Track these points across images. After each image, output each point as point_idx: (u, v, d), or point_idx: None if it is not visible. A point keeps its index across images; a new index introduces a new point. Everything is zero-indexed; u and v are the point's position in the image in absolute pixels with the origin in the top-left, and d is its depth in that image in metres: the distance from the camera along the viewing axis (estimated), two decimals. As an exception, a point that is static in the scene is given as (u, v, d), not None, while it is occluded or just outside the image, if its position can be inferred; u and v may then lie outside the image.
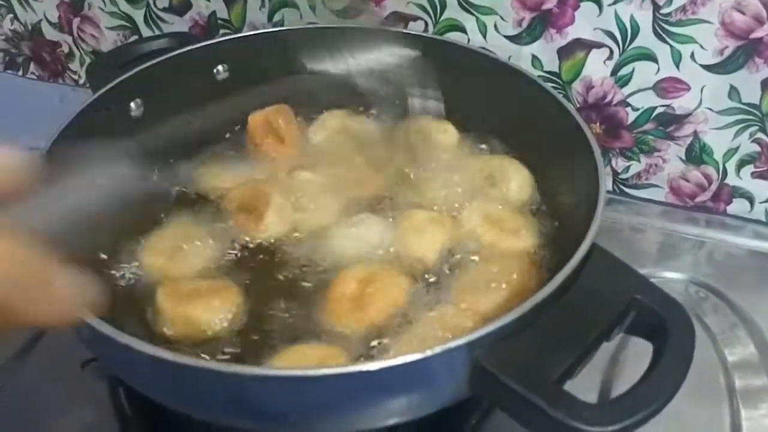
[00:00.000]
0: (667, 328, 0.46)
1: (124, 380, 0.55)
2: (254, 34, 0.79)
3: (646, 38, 0.73)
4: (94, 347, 0.52)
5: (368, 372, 0.42)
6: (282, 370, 0.47)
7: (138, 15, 0.92)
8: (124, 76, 0.69)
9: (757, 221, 0.82)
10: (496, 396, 0.45)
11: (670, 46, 0.73)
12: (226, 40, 0.77)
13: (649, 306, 0.47)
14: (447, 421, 0.61)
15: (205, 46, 0.75)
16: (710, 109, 0.76)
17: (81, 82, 1.04)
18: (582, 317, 0.46)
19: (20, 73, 1.07)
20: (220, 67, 0.75)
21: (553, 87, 0.71)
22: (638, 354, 0.59)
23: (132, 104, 0.70)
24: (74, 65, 1.02)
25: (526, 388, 0.42)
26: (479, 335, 0.43)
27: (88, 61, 1.00)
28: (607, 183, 0.81)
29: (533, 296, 0.45)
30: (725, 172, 0.80)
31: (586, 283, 0.48)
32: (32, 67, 1.06)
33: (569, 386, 0.45)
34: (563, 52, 0.77)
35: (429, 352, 0.42)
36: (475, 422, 0.62)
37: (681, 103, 0.76)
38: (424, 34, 0.79)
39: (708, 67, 0.73)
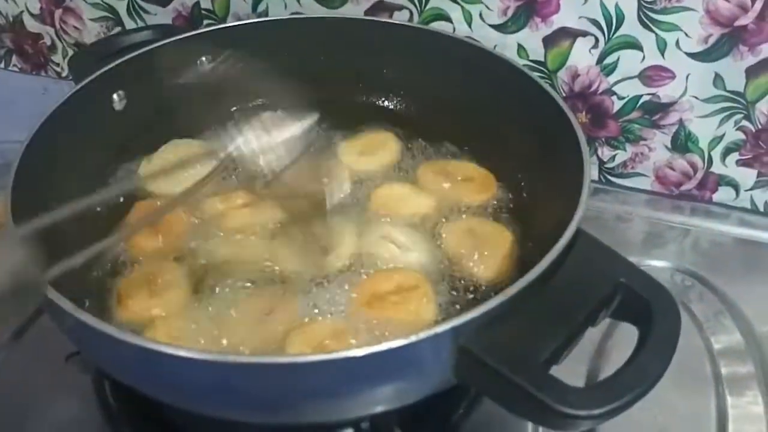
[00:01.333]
0: (652, 311, 0.46)
1: (106, 371, 0.54)
2: (238, 25, 0.78)
3: (631, 26, 0.73)
4: (75, 338, 0.51)
5: (354, 358, 0.42)
6: (266, 357, 0.47)
7: (121, 6, 0.91)
8: (107, 68, 0.68)
9: (743, 209, 0.83)
10: (482, 381, 0.45)
11: (655, 34, 0.73)
12: (210, 30, 0.76)
13: (635, 290, 0.47)
14: (434, 411, 0.61)
15: (188, 37, 0.74)
16: (695, 97, 0.76)
17: (64, 74, 1.02)
18: (568, 301, 0.46)
19: (2, 65, 1.06)
20: (203, 59, 0.74)
21: (539, 76, 0.71)
22: (623, 343, 0.59)
23: (114, 96, 0.69)
24: (57, 57, 1.01)
25: (512, 371, 0.42)
26: (465, 320, 0.43)
27: (70, 53, 0.99)
28: (592, 172, 0.81)
29: (519, 281, 0.45)
30: (710, 161, 0.80)
31: (572, 267, 0.48)
32: (14, 59, 1.04)
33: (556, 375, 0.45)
34: (549, 41, 0.77)
35: (414, 338, 0.42)
36: (462, 412, 0.62)
37: (666, 92, 0.76)
38: (409, 24, 0.79)
39: (693, 55, 0.73)
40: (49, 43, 1.00)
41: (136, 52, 0.70)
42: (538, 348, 0.44)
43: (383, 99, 0.79)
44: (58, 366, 0.63)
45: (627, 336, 0.58)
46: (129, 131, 0.70)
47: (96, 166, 0.67)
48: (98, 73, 0.68)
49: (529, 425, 0.60)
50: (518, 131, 0.68)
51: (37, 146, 0.60)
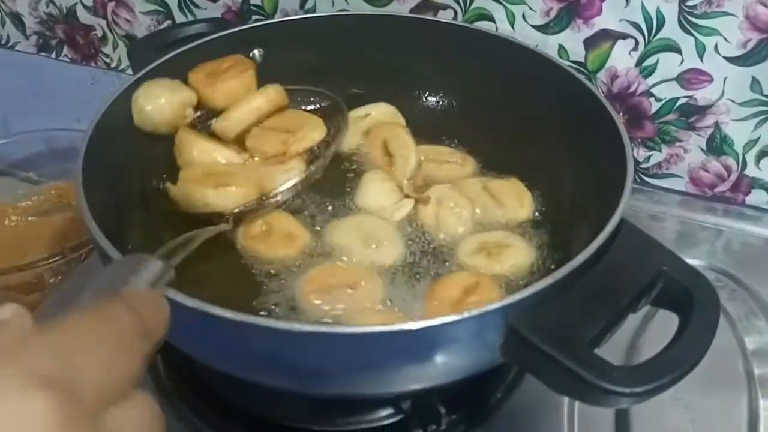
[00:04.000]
0: (693, 299, 0.48)
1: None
2: (287, 20, 0.81)
3: (671, 30, 0.75)
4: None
5: (408, 331, 0.44)
6: (323, 326, 0.49)
7: (172, 0, 0.94)
8: (165, 58, 0.71)
9: (776, 212, 0.84)
10: (528, 360, 0.47)
11: (695, 37, 0.75)
12: (261, 25, 0.79)
13: (676, 278, 0.49)
14: (472, 395, 0.64)
15: (241, 30, 0.77)
16: (732, 100, 0.78)
17: (113, 65, 1.06)
18: (612, 286, 0.48)
19: (53, 55, 1.10)
20: (256, 52, 0.77)
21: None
22: (656, 339, 0.61)
23: (172, 84, 0.72)
24: (107, 49, 1.04)
25: (558, 351, 0.44)
26: (514, 300, 0.46)
27: (120, 45, 1.03)
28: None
29: (566, 265, 0.47)
30: (745, 163, 0.82)
31: (616, 254, 0.50)
32: (65, 50, 1.08)
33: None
34: (589, 43, 0.79)
35: (466, 314, 0.44)
36: (500, 396, 0.64)
37: (703, 94, 0.78)
38: (453, 22, 0.81)
39: (731, 59, 0.75)
40: (100, 34, 1.03)
41: (193, 43, 0.73)
42: (583, 329, 0.46)
43: (426, 96, 0.81)
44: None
45: (659, 332, 0.61)
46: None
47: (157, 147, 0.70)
48: (156, 63, 0.71)
49: (565, 408, 0.62)
50: (559, 130, 0.70)
51: (101, 132, 0.62)
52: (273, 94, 0.72)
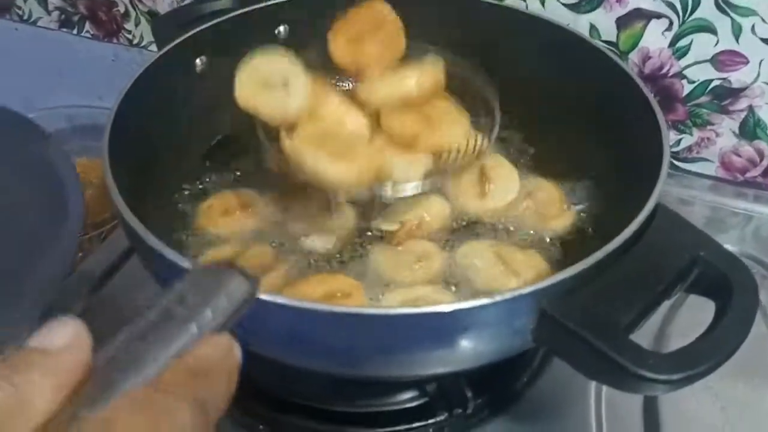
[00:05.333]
0: (731, 285, 0.47)
1: None
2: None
3: (706, 10, 0.73)
4: (162, 280, 0.54)
5: (440, 313, 0.43)
6: (354, 307, 0.48)
7: (195, -24, 0.93)
8: (191, 33, 0.70)
9: (808, 198, 0.82)
10: (561, 345, 0.46)
11: (731, 18, 0.73)
12: (288, 1, 0.78)
13: (713, 263, 0.48)
14: (498, 380, 0.63)
15: (267, 6, 0.76)
16: (767, 83, 0.76)
17: (135, 41, 1.05)
18: (647, 271, 0.47)
19: (75, 32, 1.09)
20: (281, 28, 0.76)
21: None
22: (685, 326, 0.60)
23: (197, 61, 0.71)
24: (129, 25, 1.04)
25: (593, 336, 0.43)
26: (547, 284, 0.45)
27: (143, 21, 1.02)
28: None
29: (600, 249, 0.46)
30: (778, 148, 0.80)
31: (652, 239, 0.49)
32: (87, 26, 1.07)
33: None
34: (622, 22, 0.77)
35: (499, 297, 0.44)
36: (526, 381, 0.64)
37: (738, 77, 0.76)
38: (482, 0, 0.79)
39: (768, 41, 0.73)
40: (122, 10, 1.02)
41: (218, 19, 0.72)
42: (618, 315, 0.45)
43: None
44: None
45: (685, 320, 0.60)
46: (211, 94, 0.72)
47: (183, 124, 0.69)
48: (181, 38, 0.70)
49: (592, 393, 0.62)
50: (590, 111, 0.68)
51: (127, 108, 0.61)
52: (435, 73, 0.62)
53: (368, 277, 0.60)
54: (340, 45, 0.62)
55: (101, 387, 0.28)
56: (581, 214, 0.66)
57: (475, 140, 0.61)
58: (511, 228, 0.65)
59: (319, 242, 0.63)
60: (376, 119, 0.61)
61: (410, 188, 0.58)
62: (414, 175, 0.58)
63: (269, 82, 0.58)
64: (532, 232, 0.65)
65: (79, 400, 0.28)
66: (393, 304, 0.56)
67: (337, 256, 0.63)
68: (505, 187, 0.66)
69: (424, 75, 0.62)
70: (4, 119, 0.80)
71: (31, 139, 0.79)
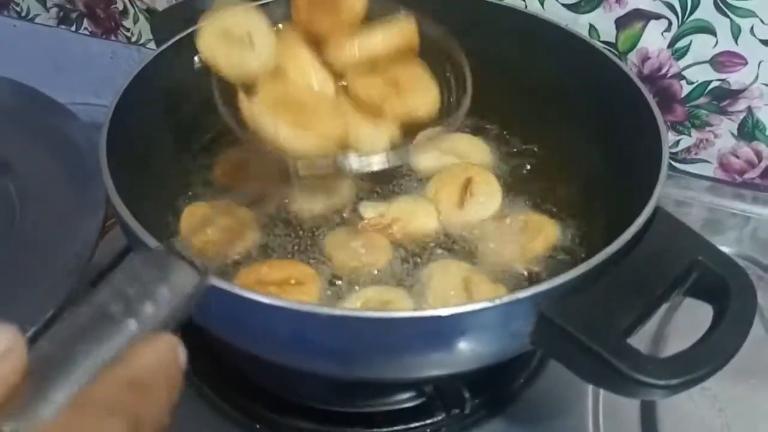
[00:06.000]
0: (729, 289, 0.47)
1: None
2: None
3: (706, 11, 0.73)
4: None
5: (437, 317, 0.43)
6: (350, 311, 0.49)
7: (194, -27, 0.93)
8: (189, 30, 0.70)
9: (805, 200, 0.82)
10: (559, 348, 0.46)
11: (730, 19, 0.73)
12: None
13: (712, 268, 0.48)
14: (495, 381, 0.63)
15: (264, 4, 0.75)
16: (766, 84, 0.76)
17: (133, 39, 1.05)
18: (645, 275, 0.47)
19: (73, 28, 1.09)
20: (280, 26, 0.75)
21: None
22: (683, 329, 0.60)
23: (196, 58, 0.71)
24: (127, 22, 1.03)
25: (590, 339, 0.43)
26: (546, 287, 0.45)
27: (141, 19, 1.02)
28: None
29: (599, 253, 0.46)
30: (776, 150, 0.80)
31: (650, 243, 0.49)
32: (85, 23, 1.07)
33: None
34: (621, 22, 0.77)
35: (498, 301, 0.44)
36: (523, 382, 0.64)
37: (737, 78, 0.76)
38: None
39: (767, 42, 0.73)
40: (120, 8, 1.02)
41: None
42: (616, 318, 0.45)
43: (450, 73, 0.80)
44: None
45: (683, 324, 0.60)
46: (210, 91, 0.72)
47: (182, 121, 0.69)
48: (180, 35, 0.69)
49: (589, 395, 0.62)
50: (589, 112, 0.68)
51: (125, 105, 0.61)
52: (404, 33, 0.58)
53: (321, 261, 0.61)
54: (300, 12, 0.60)
55: (29, 396, 0.26)
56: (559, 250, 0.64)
57: (447, 106, 0.57)
58: (485, 248, 0.63)
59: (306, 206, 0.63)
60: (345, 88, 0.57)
61: (376, 162, 0.53)
62: (379, 146, 0.54)
63: (232, 36, 0.55)
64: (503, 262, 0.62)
65: (5, 408, 0.25)
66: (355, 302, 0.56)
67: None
68: (485, 202, 0.66)
69: (392, 33, 0.58)
70: (35, 101, 0.81)
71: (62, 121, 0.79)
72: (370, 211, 0.65)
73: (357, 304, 0.56)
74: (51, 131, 0.79)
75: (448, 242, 0.63)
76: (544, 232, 0.63)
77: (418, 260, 0.62)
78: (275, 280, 0.57)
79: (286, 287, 0.56)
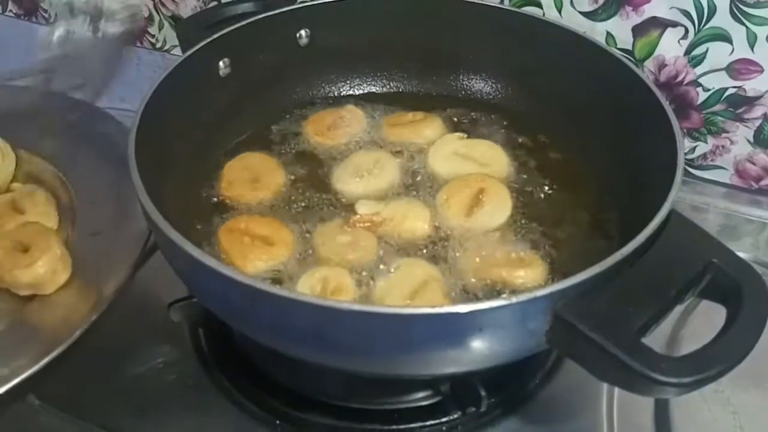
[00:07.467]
0: (742, 291, 0.48)
1: (208, 305, 0.57)
2: (334, 1, 0.81)
3: (722, 19, 0.74)
4: (188, 277, 0.55)
5: (455, 314, 0.45)
6: (370, 306, 0.50)
7: (218, -20, 0.95)
8: (214, 36, 0.72)
9: (822, 207, 0.83)
10: (574, 347, 0.47)
11: (746, 27, 0.74)
12: (309, 6, 0.79)
13: (725, 270, 0.49)
14: (511, 381, 0.64)
15: (289, 10, 0.77)
16: (782, 92, 0.76)
17: (158, 45, 1.07)
18: (660, 277, 0.48)
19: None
20: (302, 32, 0.78)
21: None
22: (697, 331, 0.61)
23: (221, 63, 0.73)
24: (153, 29, 1.05)
25: (606, 339, 0.44)
26: (562, 287, 0.46)
27: (166, 25, 1.04)
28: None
29: (615, 254, 0.47)
30: (792, 157, 0.81)
31: (665, 245, 0.49)
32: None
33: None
34: (638, 30, 0.78)
35: (514, 299, 0.45)
36: (538, 382, 0.64)
37: (753, 85, 0.77)
38: (500, 6, 0.81)
39: (783, 50, 0.74)
40: (146, 14, 1.04)
41: (241, 23, 0.74)
42: (631, 318, 0.46)
43: (471, 79, 0.81)
44: (159, 313, 0.67)
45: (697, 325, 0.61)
46: (233, 97, 0.74)
47: (205, 127, 0.71)
48: (205, 42, 0.71)
49: (604, 395, 0.63)
50: (606, 118, 0.69)
51: (152, 110, 0.63)
52: None
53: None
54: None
55: None
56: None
57: None
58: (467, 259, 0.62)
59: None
60: None
61: None
62: None
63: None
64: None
65: None
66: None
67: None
68: (493, 214, 0.66)
69: None
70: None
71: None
72: (365, 208, 0.66)
73: (311, 281, 0.58)
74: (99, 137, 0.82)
75: (435, 248, 0.63)
76: (530, 273, 0.61)
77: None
78: (256, 234, 0.63)
79: (257, 242, 0.62)
